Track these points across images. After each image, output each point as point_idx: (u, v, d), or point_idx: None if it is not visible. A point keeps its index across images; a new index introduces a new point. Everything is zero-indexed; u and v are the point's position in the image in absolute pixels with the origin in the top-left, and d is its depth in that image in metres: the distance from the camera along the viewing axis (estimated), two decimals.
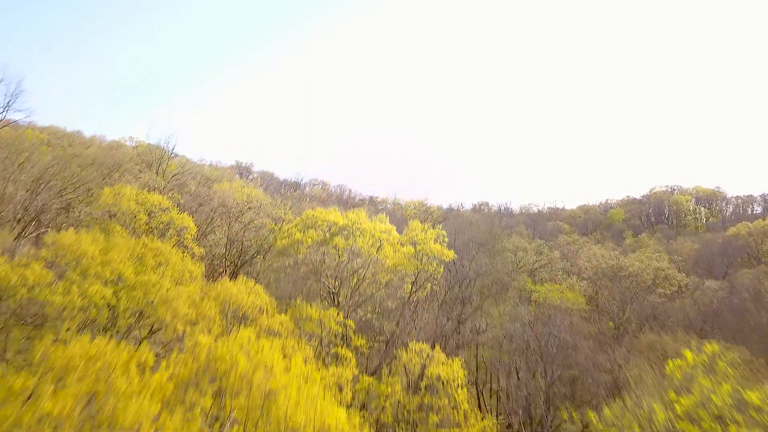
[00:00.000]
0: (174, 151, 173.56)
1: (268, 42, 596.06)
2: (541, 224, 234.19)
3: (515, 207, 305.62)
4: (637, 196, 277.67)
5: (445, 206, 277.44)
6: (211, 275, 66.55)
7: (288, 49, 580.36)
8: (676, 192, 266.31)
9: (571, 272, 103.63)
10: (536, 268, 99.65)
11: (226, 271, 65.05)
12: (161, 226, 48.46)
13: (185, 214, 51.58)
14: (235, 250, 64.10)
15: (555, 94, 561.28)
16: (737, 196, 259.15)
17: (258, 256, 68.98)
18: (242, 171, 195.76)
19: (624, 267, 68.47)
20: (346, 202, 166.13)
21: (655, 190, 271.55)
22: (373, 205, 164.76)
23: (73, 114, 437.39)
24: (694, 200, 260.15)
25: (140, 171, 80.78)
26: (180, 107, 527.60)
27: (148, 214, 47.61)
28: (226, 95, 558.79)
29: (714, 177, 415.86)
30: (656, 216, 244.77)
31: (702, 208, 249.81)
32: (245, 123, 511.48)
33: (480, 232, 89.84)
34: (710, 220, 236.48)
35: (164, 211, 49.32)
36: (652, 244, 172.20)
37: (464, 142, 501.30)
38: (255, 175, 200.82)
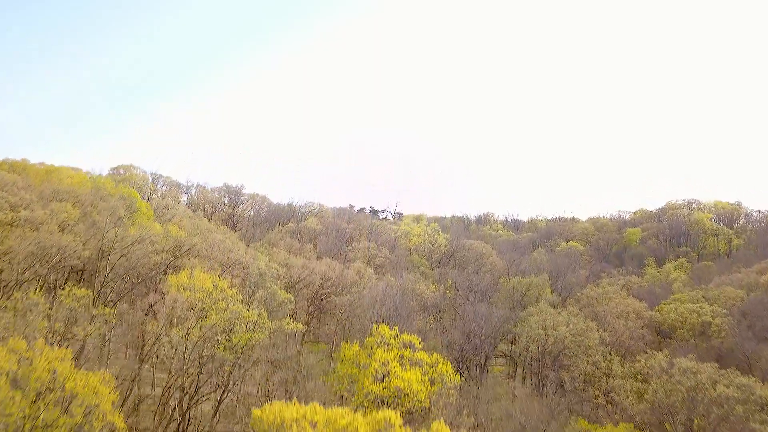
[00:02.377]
0: (157, 173, 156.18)
1: (268, 42, 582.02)
2: (554, 245, 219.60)
3: (522, 218, 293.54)
4: (652, 209, 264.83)
5: (449, 215, 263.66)
6: (161, 408, 50.35)
7: (288, 49, 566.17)
8: (694, 207, 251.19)
9: (609, 344, 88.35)
10: (569, 344, 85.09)
11: (177, 407, 48.96)
12: (57, 402, 32.24)
13: (99, 375, 34.98)
14: (189, 377, 48.21)
15: (557, 95, 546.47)
16: (758, 211, 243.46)
17: (224, 367, 53.18)
18: (231, 194, 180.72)
19: (703, 386, 52.62)
20: (343, 233, 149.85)
21: (671, 204, 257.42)
22: (373, 239, 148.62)
23: (72, 115, 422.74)
24: (714, 217, 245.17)
25: (81, 238, 64.38)
26: (180, 107, 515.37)
27: (36, 396, 31.55)
28: (226, 95, 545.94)
29: (719, 175, 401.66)
30: (674, 236, 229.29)
31: (724, 227, 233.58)
32: (245, 123, 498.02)
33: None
34: (734, 242, 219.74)
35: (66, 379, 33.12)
36: (683, 280, 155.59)
37: (464, 142, 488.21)
38: (245, 197, 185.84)
